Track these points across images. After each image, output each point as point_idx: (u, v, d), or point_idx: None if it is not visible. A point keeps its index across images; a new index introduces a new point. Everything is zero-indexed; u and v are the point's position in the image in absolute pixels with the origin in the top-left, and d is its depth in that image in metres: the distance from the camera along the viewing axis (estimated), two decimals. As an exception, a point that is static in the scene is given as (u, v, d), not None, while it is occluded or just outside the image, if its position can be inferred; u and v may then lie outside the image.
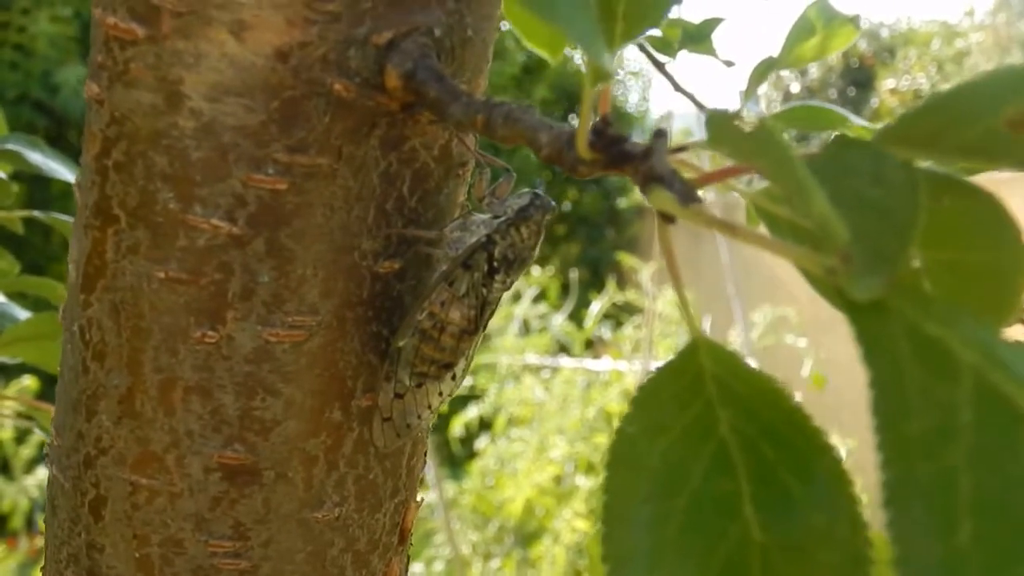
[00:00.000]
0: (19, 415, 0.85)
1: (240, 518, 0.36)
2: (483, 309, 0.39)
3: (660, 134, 0.28)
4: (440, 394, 0.40)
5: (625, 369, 2.92)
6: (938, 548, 0.19)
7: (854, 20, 0.68)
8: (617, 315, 3.49)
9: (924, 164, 0.26)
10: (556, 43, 0.51)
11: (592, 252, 5.27)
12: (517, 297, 3.23)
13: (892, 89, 6.60)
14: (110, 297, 0.35)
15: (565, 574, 2.52)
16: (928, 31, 7.20)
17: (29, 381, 1.73)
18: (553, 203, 0.39)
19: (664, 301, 2.95)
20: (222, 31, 0.32)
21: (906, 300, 0.22)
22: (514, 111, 0.32)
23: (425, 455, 0.43)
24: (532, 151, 0.31)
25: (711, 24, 0.76)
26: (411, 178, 0.36)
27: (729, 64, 0.77)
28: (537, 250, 0.39)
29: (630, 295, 3.14)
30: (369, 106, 0.34)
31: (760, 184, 0.31)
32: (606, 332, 3.42)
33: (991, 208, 0.25)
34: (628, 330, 3.20)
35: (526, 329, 3.27)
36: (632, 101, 5.80)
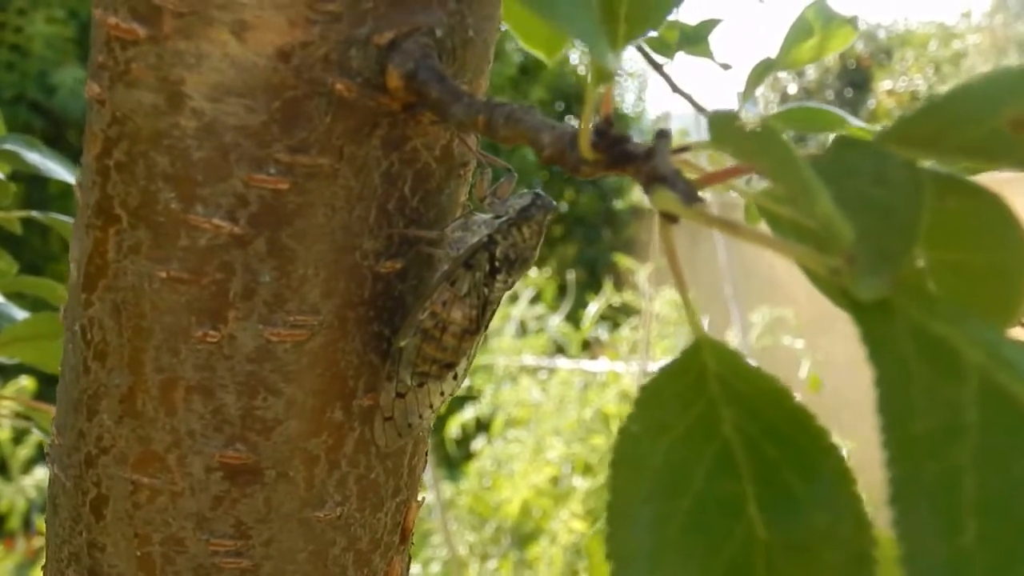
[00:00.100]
0: (17, 415, 0.85)
1: (241, 517, 0.36)
2: (485, 309, 0.39)
3: (663, 134, 0.28)
4: (441, 394, 0.40)
5: (622, 370, 2.92)
6: (943, 548, 0.19)
7: (852, 21, 0.68)
8: (614, 316, 3.49)
9: (926, 164, 0.26)
10: (553, 44, 0.51)
11: (589, 253, 5.27)
12: (514, 298, 3.23)
13: (889, 91, 6.60)
14: (111, 297, 0.35)
15: (562, 575, 2.52)
16: (925, 33, 7.21)
17: (27, 382, 1.73)
18: (554, 203, 0.39)
19: (661, 302, 2.95)
20: (223, 31, 0.32)
21: (911, 299, 0.22)
22: (516, 111, 0.32)
23: (426, 455, 0.43)
24: (534, 151, 0.31)
25: (708, 26, 0.76)
26: (413, 178, 0.36)
27: (726, 67, 0.77)
28: (539, 250, 0.39)
29: (627, 296, 3.14)
30: (371, 106, 0.34)
31: (760, 184, 0.31)
32: (603, 333, 3.41)
33: (995, 208, 0.25)
34: (625, 331, 3.19)
35: (523, 330, 3.27)
36: (628, 102, 5.81)
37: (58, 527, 0.39)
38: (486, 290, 0.39)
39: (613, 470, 0.26)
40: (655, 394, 0.27)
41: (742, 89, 0.70)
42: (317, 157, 0.34)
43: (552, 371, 3.12)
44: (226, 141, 0.33)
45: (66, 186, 0.42)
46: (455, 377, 0.40)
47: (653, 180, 0.27)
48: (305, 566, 0.38)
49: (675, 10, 0.31)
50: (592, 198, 5.33)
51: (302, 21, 0.32)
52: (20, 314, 0.72)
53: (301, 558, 0.38)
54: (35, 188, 3.13)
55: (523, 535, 2.75)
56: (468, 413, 3.00)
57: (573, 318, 3.44)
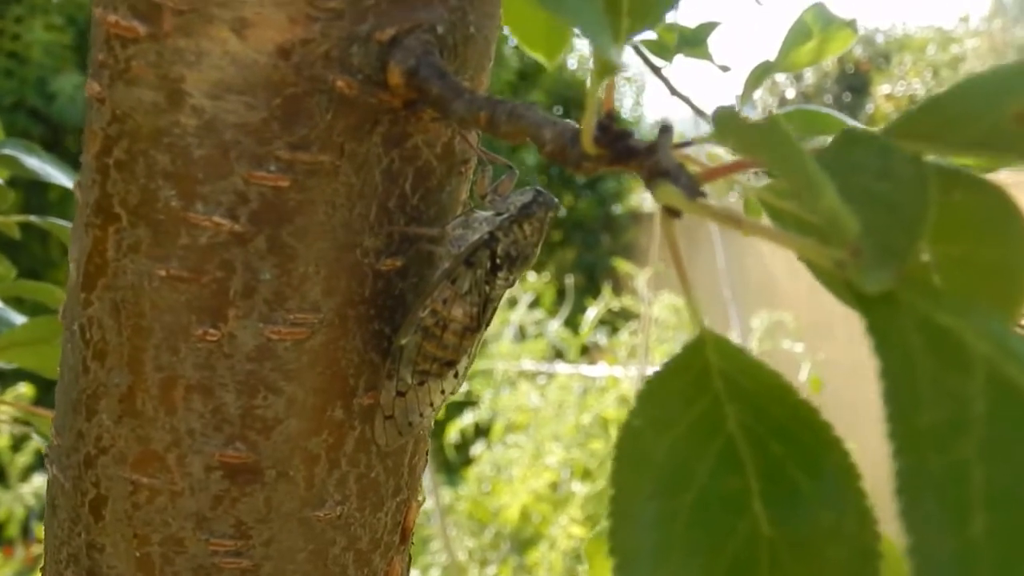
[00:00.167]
0: (15, 420, 0.84)
1: (241, 517, 0.36)
2: (486, 306, 0.39)
3: (665, 129, 0.28)
4: (442, 392, 0.40)
5: (621, 375, 2.92)
6: (951, 541, 0.19)
7: (851, 24, 0.68)
8: (613, 321, 3.49)
9: (929, 159, 0.26)
10: (553, 47, 0.51)
11: (588, 258, 5.27)
12: (513, 303, 3.23)
13: (887, 95, 6.61)
14: (111, 296, 0.35)
15: (562, 580, 2.52)
16: (923, 37, 7.22)
17: (25, 388, 1.73)
18: (556, 200, 0.39)
19: (660, 307, 2.95)
20: (224, 29, 0.32)
21: (917, 292, 0.22)
22: (518, 107, 0.32)
23: (427, 454, 0.42)
24: (536, 148, 0.31)
25: (707, 28, 0.76)
26: (413, 175, 0.36)
27: (725, 69, 0.77)
28: (540, 247, 0.39)
29: (626, 301, 3.14)
30: (371, 103, 0.34)
31: (762, 180, 0.31)
32: (602, 338, 3.41)
33: (1000, 203, 0.25)
34: (624, 336, 3.19)
35: (522, 335, 3.27)
36: (626, 107, 5.81)
37: (57, 528, 0.39)
38: (487, 288, 0.38)
39: (616, 467, 0.26)
40: (658, 390, 0.27)
41: (740, 92, 0.70)
42: (318, 154, 0.33)
43: (551, 376, 3.12)
44: (226, 139, 0.33)
45: (65, 192, 0.42)
46: (456, 375, 0.40)
47: (656, 175, 0.27)
48: (305, 566, 0.38)
49: (675, 6, 0.31)
50: (591, 203, 5.33)
51: (303, 18, 0.32)
52: (19, 319, 0.71)
53: (301, 558, 0.38)
54: (34, 194, 3.13)
55: (522, 540, 2.75)
56: (467, 418, 2.99)
57: (572, 323, 3.44)
